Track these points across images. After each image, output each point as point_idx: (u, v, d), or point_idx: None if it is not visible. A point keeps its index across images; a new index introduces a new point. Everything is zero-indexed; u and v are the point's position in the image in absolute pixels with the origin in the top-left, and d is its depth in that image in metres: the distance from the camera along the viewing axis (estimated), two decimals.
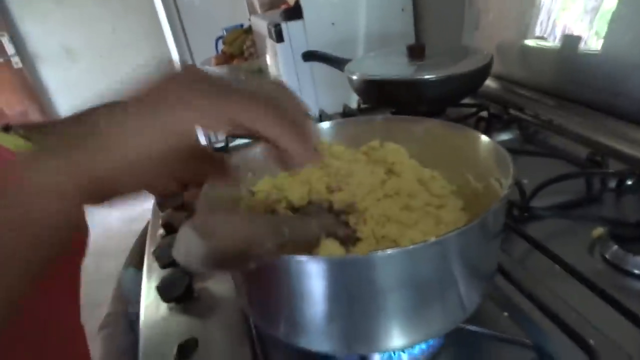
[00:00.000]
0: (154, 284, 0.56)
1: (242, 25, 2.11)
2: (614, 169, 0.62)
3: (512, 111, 0.82)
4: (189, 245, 0.21)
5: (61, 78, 3.48)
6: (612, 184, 0.59)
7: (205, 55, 2.28)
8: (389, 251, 0.31)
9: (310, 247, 0.36)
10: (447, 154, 0.48)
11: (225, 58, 1.89)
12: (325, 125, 0.52)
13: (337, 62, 0.95)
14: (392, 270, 0.32)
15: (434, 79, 0.76)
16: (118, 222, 2.80)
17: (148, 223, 0.81)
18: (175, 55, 2.75)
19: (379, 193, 0.46)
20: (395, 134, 0.52)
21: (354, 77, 0.82)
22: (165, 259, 0.58)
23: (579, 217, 0.54)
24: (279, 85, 0.35)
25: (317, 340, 0.36)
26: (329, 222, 0.41)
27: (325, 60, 0.97)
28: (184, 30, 2.68)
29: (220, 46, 2.09)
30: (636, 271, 0.45)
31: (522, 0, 0.86)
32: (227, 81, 0.31)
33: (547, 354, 0.35)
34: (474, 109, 0.83)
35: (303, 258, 0.30)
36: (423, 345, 0.40)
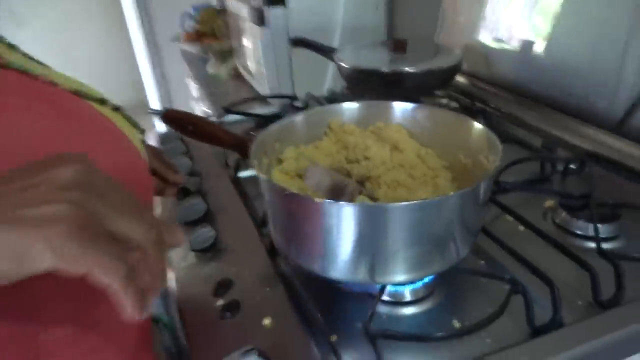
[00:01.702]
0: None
1: (212, 5, 2.13)
2: (562, 156, 0.76)
3: (477, 104, 0.96)
4: (320, 178, 0.30)
5: None
6: (560, 167, 0.73)
7: (168, 31, 2.28)
8: (408, 202, 0.41)
9: (352, 199, 0.46)
10: (442, 135, 0.59)
11: (196, 36, 1.91)
12: (344, 106, 0.62)
13: (324, 50, 1.04)
14: (408, 218, 0.42)
15: (416, 71, 0.87)
16: None
17: None
18: (134, 29, 2.70)
19: (389, 164, 0.56)
20: (397, 116, 0.62)
21: (345, 65, 0.92)
22: (187, 217, 0.65)
23: (536, 190, 0.67)
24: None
25: (346, 272, 0.46)
26: (356, 185, 0.51)
27: (313, 48, 1.06)
28: (145, 2, 2.64)
29: (188, 23, 2.10)
30: (579, 232, 0.59)
31: (486, 6, 0.99)
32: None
33: (519, 284, 0.47)
34: (445, 100, 0.96)
35: (342, 203, 0.40)
36: (425, 279, 0.51)
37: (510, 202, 0.64)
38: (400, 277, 0.46)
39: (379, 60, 0.91)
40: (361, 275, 0.46)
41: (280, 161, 0.58)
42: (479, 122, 0.91)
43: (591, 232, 0.57)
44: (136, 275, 0.27)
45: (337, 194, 0.32)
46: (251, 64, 1.52)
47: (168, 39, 2.11)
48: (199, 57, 1.94)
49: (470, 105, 0.95)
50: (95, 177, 0.28)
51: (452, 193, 0.41)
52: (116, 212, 0.27)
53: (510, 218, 0.62)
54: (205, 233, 0.61)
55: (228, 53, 1.82)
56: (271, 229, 0.52)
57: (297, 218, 0.46)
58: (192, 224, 0.65)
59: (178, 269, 0.59)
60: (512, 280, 0.48)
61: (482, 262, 0.56)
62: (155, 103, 2.92)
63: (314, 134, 0.62)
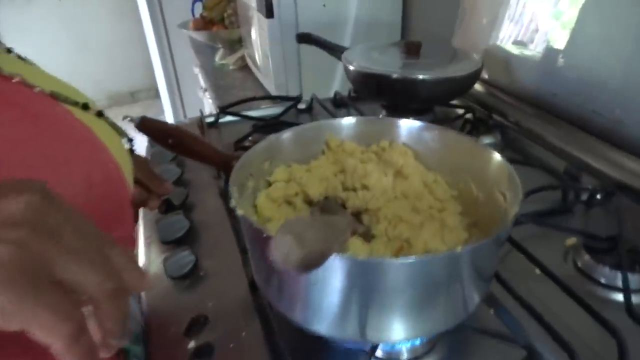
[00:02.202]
0: (156, 260, 0.58)
1: None
2: (586, 183, 0.68)
3: (495, 116, 0.88)
4: (288, 251, 0.24)
5: (12, 21, 3.26)
6: (584, 197, 0.66)
7: (178, 17, 2.21)
8: (408, 260, 0.34)
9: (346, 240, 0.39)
10: (453, 160, 0.52)
11: (204, 23, 1.84)
12: (341, 122, 0.55)
13: (332, 49, 0.97)
14: (408, 275, 0.35)
15: (429, 79, 0.80)
16: None
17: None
18: (144, 11, 2.64)
19: (390, 194, 0.49)
20: (403, 135, 0.55)
21: (351, 68, 0.85)
22: (167, 236, 0.59)
23: (554, 226, 0.60)
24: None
25: (332, 328, 0.40)
26: (350, 220, 0.44)
27: (320, 45, 0.98)
28: None
29: (198, 10, 2.03)
30: (603, 280, 0.52)
31: (509, 8, 0.91)
32: None
33: (535, 352, 0.41)
34: (461, 111, 0.88)
35: (338, 256, 0.33)
36: (424, 338, 0.44)
37: (526, 235, 0.57)
38: (397, 336, 0.40)
39: (390, 64, 0.84)
40: (350, 332, 0.39)
41: (269, 183, 0.51)
42: (495, 137, 0.85)
43: (619, 282, 0.50)
44: (86, 332, 0.23)
45: (315, 264, 0.26)
46: (258, 57, 1.45)
47: (177, 25, 2.04)
48: (208, 46, 1.87)
49: (487, 117, 0.87)
50: (50, 213, 0.24)
51: (460, 249, 0.34)
52: (68, 256, 0.23)
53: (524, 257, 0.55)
54: (184, 258, 0.55)
55: (237, 42, 1.75)
56: (252, 267, 0.46)
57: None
58: (172, 243, 0.59)
59: (151, 295, 0.53)
60: (527, 347, 0.41)
61: (492, 311, 0.49)
62: (163, 89, 2.87)
63: (310, 151, 0.55)
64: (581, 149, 0.73)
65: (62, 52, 3.46)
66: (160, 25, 2.60)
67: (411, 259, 0.35)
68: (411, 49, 0.87)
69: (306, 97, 1.00)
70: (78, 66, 3.56)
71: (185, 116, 2.89)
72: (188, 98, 2.79)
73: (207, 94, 1.74)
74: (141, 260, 0.60)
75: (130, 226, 0.44)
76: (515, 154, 0.80)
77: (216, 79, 1.63)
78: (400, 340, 0.42)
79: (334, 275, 0.36)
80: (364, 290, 0.36)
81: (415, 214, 0.48)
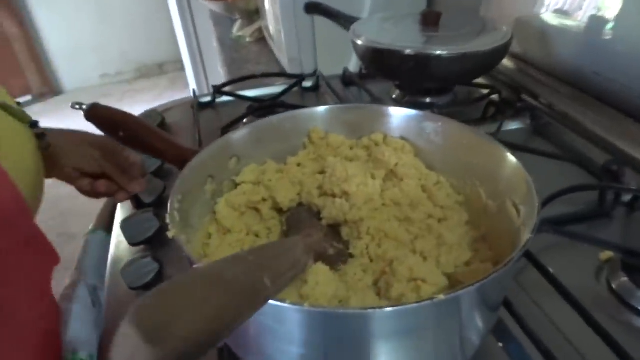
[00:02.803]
0: (121, 261, 0.52)
1: None
2: (630, 182, 0.57)
3: (525, 97, 0.76)
4: (133, 353, 0.16)
5: None
6: (627, 198, 0.55)
7: None
8: (386, 309, 0.26)
9: (300, 272, 0.31)
10: (460, 160, 0.43)
11: None
12: (321, 111, 0.46)
13: (342, 20, 0.86)
14: (388, 325, 0.27)
15: (447, 55, 0.69)
16: None
17: None
18: None
19: (377, 202, 0.40)
20: (400, 127, 0.46)
21: (359, 42, 0.75)
22: (134, 237, 0.53)
23: (584, 238, 0.49)
24: None
25: None
26: (318, 239, 0.36)
27: (329, 16, 0.88)
28: None
29: None
30: None
31: None
32: None
33: None
34: (486, 91, 0.77)
35: (287, 306, 0.25)
36: None
37: (548, 243, 0.47)
38: None
39: (403, 38, 0.73)
40: None
41: (236, 185, 0.43)
42: (524, 122, 0.73)
43: None
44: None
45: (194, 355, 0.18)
46: (272, 28, 1.36)
47: None
48: (227, 17, 1.79)
49: (515, 99, 0.75)
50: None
51: (443, 296, 0.25)
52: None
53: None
54: (146, 266, 0.48)
55: (255, 13, 1.66)
56: None
57: None
58: (139, 244, 0.53)
59: (110, 307, 0.47)
60: None
61: (500, 345, 0.40)
62: (187, 62, 2.81)
63: (289, 145, 0.46)
64: (626, 140, 0.61)
65: (88, 23, 3.44)
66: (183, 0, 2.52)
67: (387, 309, 0.26)
68: (429, 20, 0.76)
69: (326, 74, 0.90)
70: (104, 37, 3.55)
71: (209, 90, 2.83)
72: (212, 71, 2.72)
73: (226, 68, 1.67)
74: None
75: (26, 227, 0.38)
76: (546, 142, 0.69)
77: (231, 52, 1.55)
78: None
79: (286, 327, 0.28)
80: (326, 344, 0.28)
81: (407, 227, 0.39)
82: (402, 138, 0.46)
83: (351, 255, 0.38)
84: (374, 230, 0.38)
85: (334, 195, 0.40)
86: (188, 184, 0.38)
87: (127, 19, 3.54)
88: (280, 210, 0.42)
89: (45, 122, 0.43)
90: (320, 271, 0.32)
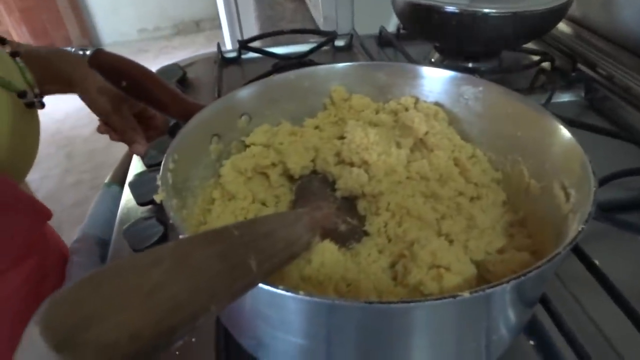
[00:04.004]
0: (128, 221, 0.49)
1: None
2: None
3: (581, 67, 0.68)
4: None
5: None
6: None
7: None
8: (398, 305, 0.21)
9: (300, 251, 0.26)
10: (501, 131, 0.37)
11: None
12: (346, 68, 0.40)
13: None
14: (399, 321, 0.23)
15: (495, 13, 0.61)
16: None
17: None
18: None
19: (401, 174, 0.35)
20: (434, 91, 0.40)
21: None
22: (142, 197, 0.50)
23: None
24: None
25: None
26: (328, 212, 0.31)
27: None
28: None
29: None
30: None
31: None
32: None
33: None
34: (536, 58, 0.69)
35: (277, 292, 0.21)
36: None
37: (595, 231, 0.42)
38: None
39: None
40: None
41: (246, 146, 0.39)
42: (577, 95, 0.66)
43: None
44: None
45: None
46: None
47: None
48: None
49: (570, 68, 0.67)
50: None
51: (468, 293, 0.21)
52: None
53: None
54: (151, 228, 0.45)
55: None
56: None
57: None
58: (147, 204, 0.50)
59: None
60: None
61: (531, 342, 0.36)
62: (224, 18, 2.75)
63: (307, 105, 0.42)
64: None
65: None
66: None
67: (402, 305, 0.21)
68: None
69: (362, 34, 0.83)
70: None
71: None
72: (248, 29, 2.66)
73: (259, 24, 1.62)
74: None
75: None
76: (602, 118, 0.61)
77: (266, 9, 1.49)
78: None
79: (290, 317, 0.24)
80: (334, 339, 0.24)
81: (433, 205, 0.34)
82: (436, 104, 0.40)
83: (366, 233, 0.33)
84: (394, 206, 0.33)
85: (352, 164, 0.36)
86: (189, 142, 0.34)
87: None
88: (291, 178, 0.37)
89: None
90: (326, 250, 0.28)
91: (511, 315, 0.26)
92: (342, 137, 0.38)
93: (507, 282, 0.22)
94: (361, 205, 0.35)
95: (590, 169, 0.28)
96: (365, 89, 0.41)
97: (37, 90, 0.44)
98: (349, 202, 0.35)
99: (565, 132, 0.31)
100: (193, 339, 0.37)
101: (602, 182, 0.45)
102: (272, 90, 0.39)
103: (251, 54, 0.79)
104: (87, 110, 0.48)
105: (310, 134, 0.38)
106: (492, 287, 0.22)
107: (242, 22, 2.68)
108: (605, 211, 0.45)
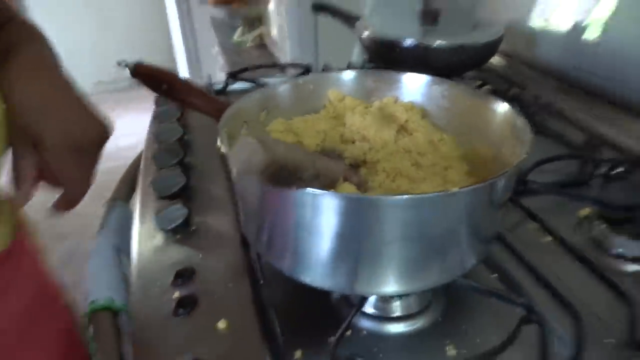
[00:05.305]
0: (149, 214, 0.57)
1: None
2: (607, 157, 0.64)
3: (513, 90, 0.84)
4: (250, 154, 0.21)
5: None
6: (603, 169, 0.62)
7: None
8: (403, 196, 0.32)
9: (329, 188, 0.36)
10: (461, 117, 0.49)
11: (224, 0, 1.83)
12: (341, 75, 0.52)
13: (346, 18, 0.94)
14: (402, 216, 0.33)
15: (445, 46, 0.76)
16: None
17: (140, 155, 0.80)
18: None
19: (392, 148, 0.47)
20: (410, 91, 0.53)
21: (365, 35, 0.82)
22: (164, 190, 0.58)
23: (570, 195, 0.56)
24: None
25: (320, 277, 0.37)
26: (345, 168, 0.42)
27: (335, 14, 0.95)
28: None
29: None
30: (620, 250, 0.48)
31: None
32: None
33: (534, 312, 0.38)
34: (478, 83, 0.84)
35: (323, 192, 0.31)
36: (418, 293, 0.41)
37: (537, 207, 0.54)
38: (388, 288, 0.37)
39: (405, 32, 0.80)
40: (338, 282, 0.37)
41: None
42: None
43: (635, 252, 0.46)
44: None
45: (285, 177, 0.23)
46: (275, 32, 1.43)
47: (198, 3, 2.04)
48: (227, 24, 1.87)
49: (505, 90, 0.83)
50: None
51: (457, 189, 0.32)
52: None
53: (534, 225, 0.51)
54: (176, 211, 0.54)
55: (256, 20, 1.73)
56: (240, 216, 0.44)
57: (265, 206, 0.37)
58: (167, 197, 0.58)
59: (141, 249, 0.52)
60: (526, 306, 0.38)
61: (494, 275, 0.46)
62: (185, 70, 2.87)
63: (311, 105, 0.52)
64: (603, 122, 0.69)
65: (85, 32, 3.50)
66: (183, 6, 2.60)
67: (404, 196, 0.32)
68: (429, 16, 0.83)
69: None
70: (100, 46, 3.59)
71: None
72: (214, 75, 2.78)
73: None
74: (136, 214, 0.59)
75: None
76: (534, 127, 0.76)
77: (233, 56, 1.62)
78: (391, 293, 0.39)
79: (322, 216, 0.33)
80: (353, 231, 0.34)
81: (417, 170, 0.46)
82: (411, 102, 0.52)
83: (369, 189, 0.44)
84: (389, 169, 0.44)
85: (353, 142, 0.47)
86: (229, 124, 0.43)
87: (124, 29, 3.59)
88: None
89: None
90: (346, 188, 0.38)
91: (477, 221, 0.37)
92: (341, 125, 0.49)
93: (485, 182, 0.33)
94: (363, 172, 0.46)
95: (527, 125, 0.40)
96: (356, 92, 0.53)
97: None
98: (353, 170, 0.46)
99: (505, 107, 0.44)
100: (230, 284, 0.45)
101: (539, 163, 0.58)
102: (284, 92, 0.50)
103: (237, 85, 0.90)
104: None
105: (318, 122, 0.49)
106: (478, 183, 0.32)
107: (204, 73, 2.80)
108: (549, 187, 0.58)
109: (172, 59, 2.96)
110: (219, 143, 0.38)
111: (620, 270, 0.46)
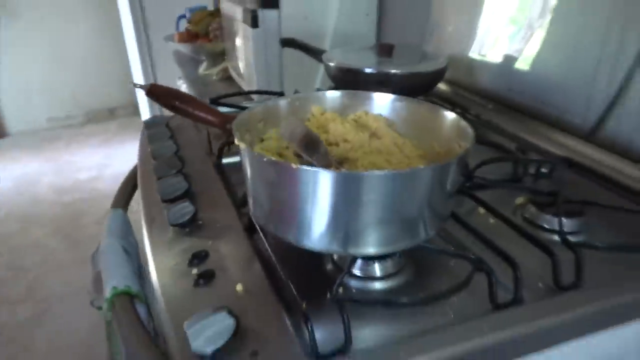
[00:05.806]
0: (157, 216, 0.65)
1: (206, 7, 2.17)
2: (534, 159, 0.79)
3: (458, 111, 0.99)
4: (294, 128, 0.32)
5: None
6: (532, 170, 0.76)
7: (163, 32, 2.30)
8: (381, 171, 0.43)
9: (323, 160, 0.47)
10: (418, 125, 0.62)
11: (188, 36, 1.93)
12: (323, 94, 0.64)
13: (313, 52, 1.07)
14: (381, 187, 0.44)
15: (400, 73, 0.90)
16: (48, 191, 2.71)
17: (130, 173, 0.88)
18: (128, 27, 2.72)
19: (367, 149, 0.58)
20: (377, 106, 0.65)
21: (332, 64, 0.95)
22: (169, 194, 0.66)
23: (509, 187, 0.70)
24: None
25: (321, 241, 0.48)
26: (333, 162, 0.53)
27: (302, 48, 1.08)
28: (141, 3, 2.66)
29: (182, 24, 2.13)
30: (546, 225, 0.61)
31: (473, 19, 1.03)
32: None
33: (483, 262, 0.50)
34: None
35: (320, 169, 0.42)
36: (392, 255, 0.53)
37: (484, 198, 0.66)
38: (371, 249, 0.48)
39: (366, 62, 0.94)
40: (334, 245, 0.48)
41: (262, 140, 0.59)
42: None
43: (557, 226, 0.60)
44: None
45: (311, 147, 0.34)
46: (242, 66, 1.55)
47: (161, 40, 2.13)
48: (191, 59, 1.96)
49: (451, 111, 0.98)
50: None
51: (423, 167, 0.43)
52: None
53: (482, 211, 0.64)
54: (184, 208, 0.63)
55: (220, 55, 1.84)
56: (250, 203, 0.53)
57: (275, 185, 0.47)
58: (172, 200, 0.67)
59: (155, 243, 0.60)
60: (477, 260, 0.50)
61: (451, 247, 0.58)
62: (144, 105, 2.93)
63: (298, 117, 0.64)
64: (532, 133, 0.84)
65: (42, 67, 3.49)
66: (143, 40, 2.68)
67: (383, 172, 0.43)
68: (385, 50, 0.98)
69: None
70: (56, 82, 3.59)
71: None
72: (169, 114, 2.85)
73: None
74: (142, 218, 0.67)
75: None
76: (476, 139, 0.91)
77: (200, 87, 1.71)
78: (374, 254, 0.50)
79: (322, 189, 0.44)
80: (345, 204, 0.45)
81: (388, 165, 0.57)
82: (379, 114, 0.65)
83: None
84: (367, 164, 0.56)
85: (337, 144, 0.58)
86: (240, 129, 0.54)
87: (80, 64, 3.61)
88: (299, 156, 0.58)
89: None
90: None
91: (440, 195, 0.48)
92: (325, 132, 0.61)
93: (447, 162, 0.45)
94: (346, 167, 0.57)
95: (466, 123, 0.52)
96: (334, 108, 0.65)
97: None
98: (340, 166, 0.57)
99: (450, 114, 0.57)
100: (241, 262, 0.54)
101: (481, 164, 0.72)
102: (276, 107, 0.61)
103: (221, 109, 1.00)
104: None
105: None
106: (433, 165, 0.44)
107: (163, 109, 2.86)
108: (493, 182, 0.71)
109: (131, 91, 3.02)
110: (236, 141, 0.49)
111: (547, 239, 0.59)
